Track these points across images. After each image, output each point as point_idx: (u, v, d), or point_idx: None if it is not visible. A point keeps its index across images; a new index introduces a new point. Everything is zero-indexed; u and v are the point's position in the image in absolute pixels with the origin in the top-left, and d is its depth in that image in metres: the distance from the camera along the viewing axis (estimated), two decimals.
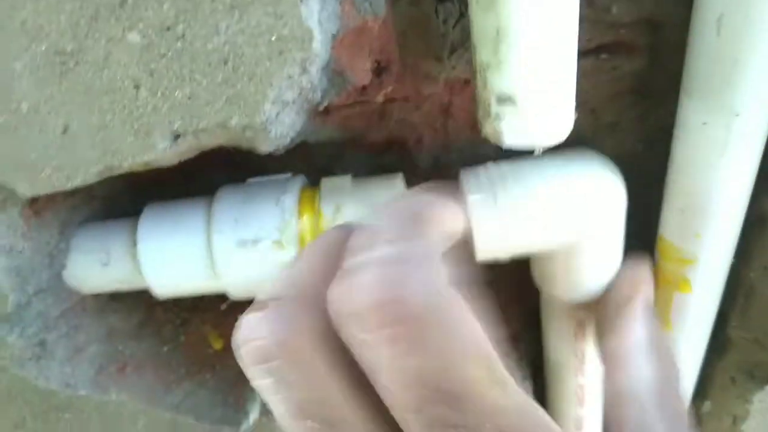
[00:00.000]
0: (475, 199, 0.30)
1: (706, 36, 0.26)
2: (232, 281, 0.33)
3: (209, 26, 0.23)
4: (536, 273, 0.36)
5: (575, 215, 0.30)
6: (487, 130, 0.27)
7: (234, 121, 0.25)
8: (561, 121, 0.27)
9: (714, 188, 0.29)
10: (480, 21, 0.24)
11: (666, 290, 0.35)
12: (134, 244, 0.34)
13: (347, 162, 0.38)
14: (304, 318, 0.17)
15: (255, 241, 0.32)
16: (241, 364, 0.18)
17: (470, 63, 0.31)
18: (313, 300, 0.17)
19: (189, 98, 0.25)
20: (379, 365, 0.16)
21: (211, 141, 0.27)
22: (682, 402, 0.31)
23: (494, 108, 0.26)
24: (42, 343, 0.35)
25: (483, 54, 0.25)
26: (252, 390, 0.39)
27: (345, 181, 0.33)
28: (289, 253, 0.32)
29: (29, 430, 0.40)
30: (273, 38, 0.23)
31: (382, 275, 0.16)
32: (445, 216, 0.18)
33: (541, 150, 0.27)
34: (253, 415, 0.39)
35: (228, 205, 0.33)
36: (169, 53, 0.24)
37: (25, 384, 0.37)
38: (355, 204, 0.32)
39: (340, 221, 0.32)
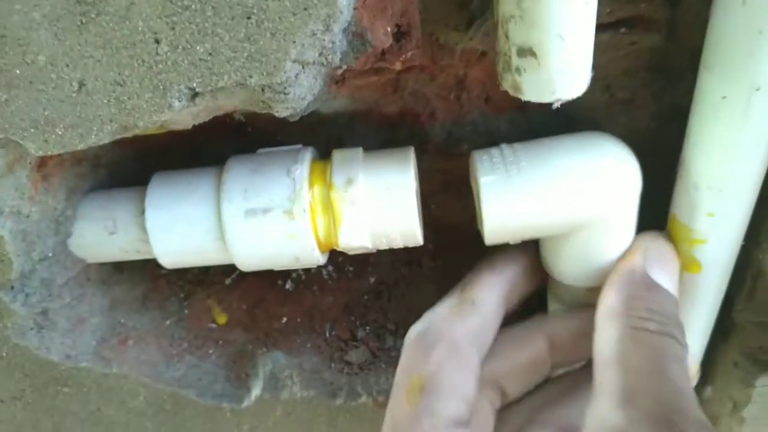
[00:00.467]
0: (487, 180, 0.30)
1: (731, 6, 0.26)
2: (241, 251, 0.32)
3: None
4: (546, 256, 0.36)
5: (590, 196, 0.30)
6: (507, 83, 0.27)
7: (254, 80, 0.25)
8: (579, 76, 0.27)
9: (730, 165, 0.29)
10: None
11: None
12: (142, 212, 0.33)
13: (358, 134, 0.37)
14: None
15: (265, 211, 0.32)
16: None
17: (488, 34, 0.31)
18: None
19: (210, 54, 0.24)
20: None
21: (228, 101, 0.27)
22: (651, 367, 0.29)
23: (515, 61, 0.26)
24: (44, 313, 0.35)
25: (506, 6, 0.25)
26: (254, 366, 0.39)
27: (356, 153, 0.33)
28: (300, 223, 0.32)
29: (27, 402, 0.40)
30: None
31: None
32: None
33: (560, 103, 0.27)
34: (255, 391, 0.39)
35: (238, 175, 0.32)
36: (192, 5, 0.23)
37: (25, 355, 0.36)
38: (366, 176, 0.32)
39: (351, 193, 0.31)
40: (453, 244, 0.40)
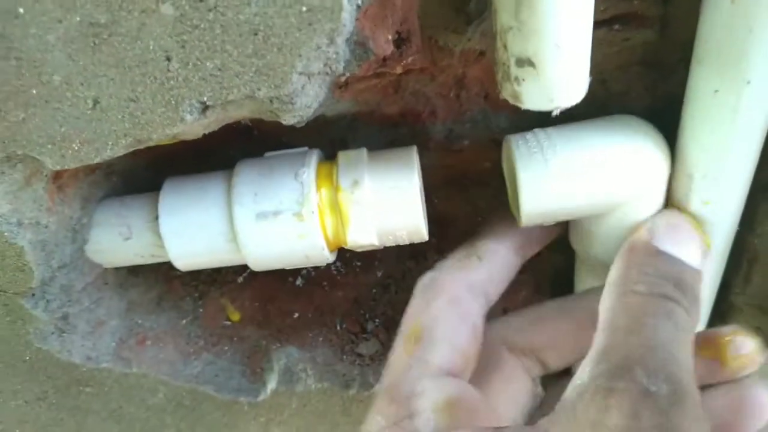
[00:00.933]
0: (525, 164, 0.31)
1: (720, 4, 0.26)
2: (253, 253, 0.34)
3: None
4: (576, 236, 0.37)
5: (624, 177, 0.31)
6: (507, 92, 0.28)
7: (262, 93, 0.26)
8: (577, 83, 0.28)
9: (724, 155, 0.30)
10: None
11: None
12: (155, 218, 0.34)
13: (361, 134, 0.38)
14: None
15: (275, 214, 0.33)
16: None
17: (486, 34, 0.32)
18: None
19: (219, 69, 0.25)
20: None
21: (237, 113, 0.28)
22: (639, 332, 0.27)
23: (514, 70, 0.27)
24: (65, 317, 0.36)
25: (504, 17, 0.26)
26: (269, 360, 0.40)
27: (361, 154, 0.34)
28: (309, 224, 0.33)
29: (51, 403, 0.41)
30: (303, 9, 0.24)
31: None
32: None
33: (558, 111, 0.28)
34: (271, 384, 0.40)
35: (247, 179, 0.33)
36: (202, 24, 0.24)
37: (48, 358, 0.37)
38: (371, 178, 0.33)
39: (357, 194, 0.32)
40: (457, 236, 0.41)
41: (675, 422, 0.22)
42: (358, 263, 0.42)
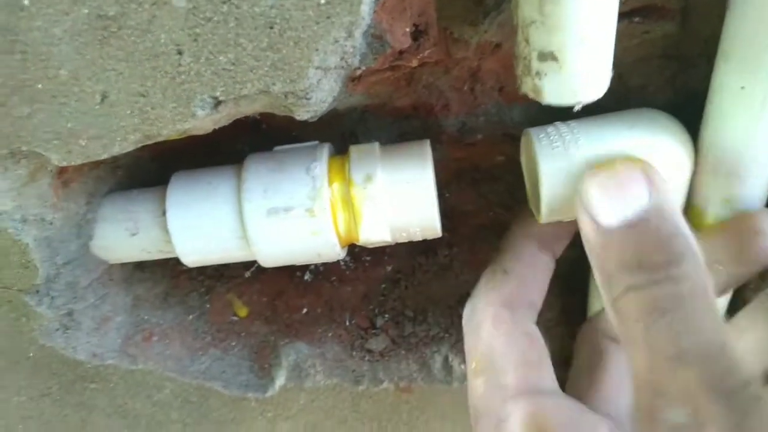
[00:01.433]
0: (547, 157, 0.30)
1: None
2: (263, 249, 0.33)
3: None
4: None
5: None
6: (527, 87, 0.27)
7: (277, 88, 0.25)
8: (601, 78, 0.27)
9: (749, 152, 0.29)
10: None
11: None
12: (162, 213, 0.34)
13: (371, 128, 0.37)
14: None
15: (287, 209, 0.32)
16: None
17: (503, 26, 0.31)
18: None
19: (233, 64, 0.24)
20: None
21: (250, 108, 0.27)
22: None
23: (535, 65, 0.26)
24: (70, 314, 0.35)
25: (526, 10, 0.25)
26: (277, 356, 0.40)
27: (373, 148, 0.33)
28: (321, 220, 0.32)
29: (55, 399, 0.41)
30: (322, 1, 0.23)
31: None
32: None
33: (580, 106, 0.27)
34: (279, 380, 0.39)
35: (257, 174, 0.33)
36: (215, 17, 0.23)
37: (53, 354, 0.37)
38: (384, 172, 0.32)
39: (370, 189, 0.32)
40: (468, 231, 0.41)
41: None
42: (368, 258, 0.42)
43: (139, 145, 0.27)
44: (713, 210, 0.33)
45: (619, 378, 0.35)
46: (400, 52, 0.28)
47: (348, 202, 0.32)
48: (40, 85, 0.25)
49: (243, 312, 0.40)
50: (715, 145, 0.30)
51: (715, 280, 0.27)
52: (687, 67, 0.33)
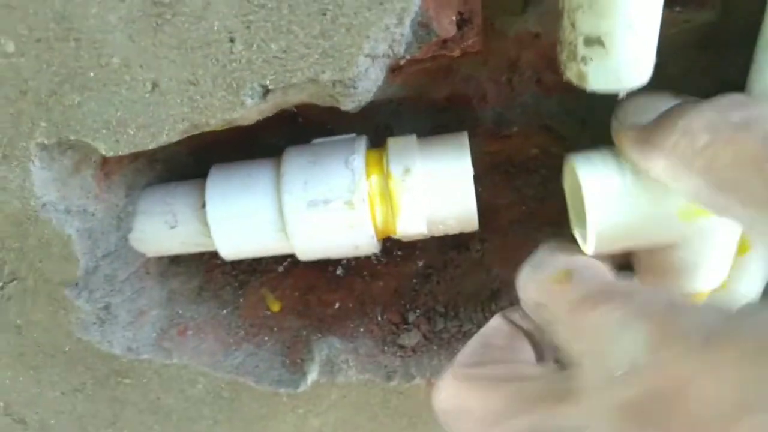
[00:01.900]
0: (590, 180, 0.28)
1: None
2: (303, 242, 0.33)
3: None
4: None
5: None
6: (572, 72, 0.27)
7: (326, 76, 0.25)
8: (646, 64, 0.27)
9: None
10: None
11: None
12: (202, 206, 0.34)
13: (406, 120, 0.38)
14: None
15: (326, 202, 0.32)
16: None
17: (542, 16, 0.31)
18: None
19: (284, 51, 0.24)
20: None
21: (297, 97, 0.27)
22: None
23: (581, 50, 0.26)
24: (107, 307, 0.35)
25: None
26: (310, 351, 0.40)
27: (411, 141, 0.33)
28: (359, 213, 0.32)
29: (88, 394, 0.41)
30: None
31: None
32: None
33: (624, 93, 0.27)
34: (312, 376, 0.39)
35: (297, 167, 0.33)
36: (269, 3, 0.23)
37: (88, 349, 0.37)
38: (423, 165, 0.32)
39: (409, 182, 0.32)
40: (500, 225, 0.41)
41: None
42: (399, 253, 0.42)
43: (187, 134, 0.28)
44: None
45: None
46: (444, 41, 0.28)
47: (386, 195, 0.32)
48: (92, 73, 0.25)
49: (276, 306, 0.40)
50: None
51: None
52: (724, 56, 0.33)
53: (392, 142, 0.33)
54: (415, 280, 0.42)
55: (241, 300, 0.40)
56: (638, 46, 0.26)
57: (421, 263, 0.42)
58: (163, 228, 0.34)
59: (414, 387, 0.41)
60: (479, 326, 0.41)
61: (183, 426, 0.43)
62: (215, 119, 0.26)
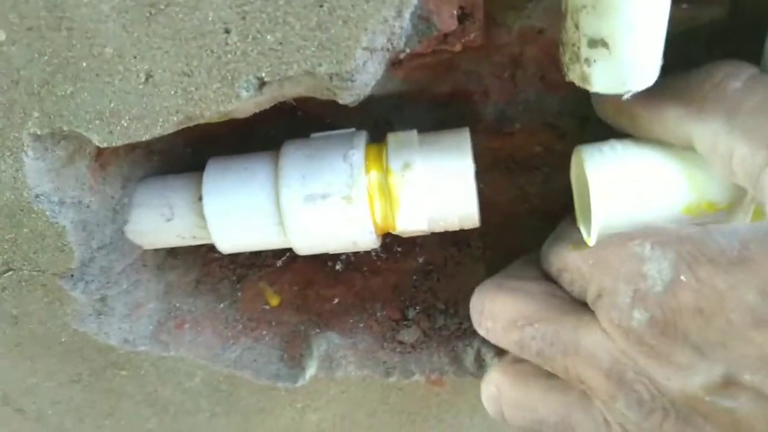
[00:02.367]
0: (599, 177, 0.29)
1: None
2: (300, 236, 0.32)
3: None
4: None
5: None
6: (575, 74, 0.27)
7: (323, 69, 0.25)
8: (651, 66, 0.26)
9: None
10: None
11: None
12: (199, 199, 0.33)
13: (406, 115, 0.37)
14: None
15: (324, 196, 0.32)
16: None
17: (547, 11, 0.31)
18: None
19: (280, 43, 0.24)
20: None
21: (293, 90, 0.27)
22: None
23: (585, 51, 0.26)
24: (103, 299, 0.35)
25: None
26: (308, 346, 0.40)
27: (411, 136, 0.33)
28: (358, 208, 0.31)
29: (85, 385, 0.40)
30: None
31: None
32: None
33: (629, 95, 0.27)
34: (310, 371, 0.39)
35: (295, 160, 0.32)
36: None
37: (84, 340, 0.37)
38: (423, 160, 0.32)
39: (409, 178, 0.31)
40: (502, 223, 0.40)
41: None
42: (399, 249, 0.41)
43: (181, 127, 0.27)
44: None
45: None
46: (445, 36, 0.28)
47: (385, 190, 0.32)
48: (84, 63, 0.25)
49: (274, 301, 0.40)
50: None
51: None
52: (731, 54, 0.33)
53: (392, 137, 0.33)
54: (415, 277, 0.41)
55: (239, 294, 0.40)
56: (644, 48, 0.25)
57: (421, 259, 0.41)
58: (160, 220, 0.34)
59: (413, 383, 0.40)
60: None
61: (180, 418, 0.43)
62: (210, 111, 0.26)
